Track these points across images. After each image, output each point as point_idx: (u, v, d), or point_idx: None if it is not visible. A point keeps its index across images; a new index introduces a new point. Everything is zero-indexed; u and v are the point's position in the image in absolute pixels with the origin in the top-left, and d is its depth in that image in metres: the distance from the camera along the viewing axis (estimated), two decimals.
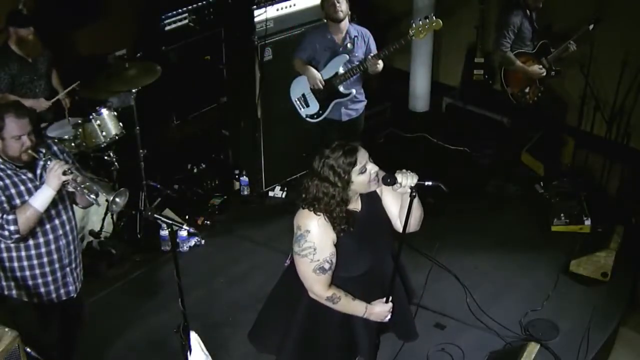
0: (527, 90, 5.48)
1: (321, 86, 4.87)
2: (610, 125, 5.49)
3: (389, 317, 3.05)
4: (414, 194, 2.80)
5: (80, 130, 4.80)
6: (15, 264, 3.18)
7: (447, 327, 4.37)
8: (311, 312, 3.04)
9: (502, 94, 5.63)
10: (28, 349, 2.99)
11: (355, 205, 2.95)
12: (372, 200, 3.00)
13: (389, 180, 2.78)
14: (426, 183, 2.79)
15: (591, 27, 5.22)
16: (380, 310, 3.02)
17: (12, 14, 4.85)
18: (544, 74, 5.40)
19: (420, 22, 4.55)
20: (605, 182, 5.59)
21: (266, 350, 3.34)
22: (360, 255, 2.97)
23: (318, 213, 2.84)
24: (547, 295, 4.60)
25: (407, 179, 2.77)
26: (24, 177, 3.11)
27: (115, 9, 5.82)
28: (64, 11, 5.43)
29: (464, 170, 5.90)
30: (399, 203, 2.97)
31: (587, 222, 5.13)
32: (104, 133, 4.89)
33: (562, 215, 5.21)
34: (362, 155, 2.82)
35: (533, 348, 3.82)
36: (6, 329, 2.86)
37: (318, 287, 2.92)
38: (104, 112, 4.91)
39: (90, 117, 4.84)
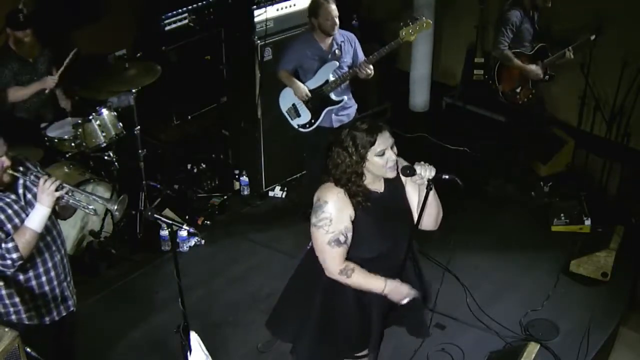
0: (518, 90, 5.47)
1: (307, 98, 4.86)
2: (610, 125, 5.49)
3: (407, 300, 2.99)
4: (431, 186, 2.85)
5: (80, 130, 4.80)
6: (14, 289, 3.07)
7: (447, 327, 4.37)
8: (328, 299, 3.05)
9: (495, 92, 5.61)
10: (28, 349, 2.98)
11: (378, 186, 2.98)
12: (395, 186, 3.03)
13: (409, 171, 2.84)
14: (444, 176, 2.85)
15: (592, 37, 5.21)
16: (404, 288, 2.97)
17: (10, 15, 4.83)
18: (542, 76, 5.39)
19: (411, 24, 4.54)
20: (605, 182, 5.59)
21: (283, 338, 3.35)
22: (376, 236, 2.98)
23: (339, 186, 2.88)
24: (547, 295, 4.61)
25: (425, 171, 2.83)
26: (8, 200, 3.00)
27: (115, 9, 5.81)
28: (64, 11, 5.43)
29: (464, 170, 5.90)
30: (417, 196, 3.01)
31: (587, 222, 5.13)
32: (104, 133, 4.89)
33: (562, 215, 5.21)
34: (384, 139, 2.86)
35: (533, 348, 3.81)
36: (6, 329, 2.85)
37: (331, 260, 2.92)
38: (104, 112, 4.91)
39: (90, 117, 4.84)
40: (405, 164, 2.90)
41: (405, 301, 3.01)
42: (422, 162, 2.87)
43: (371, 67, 4.70)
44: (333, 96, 4.89)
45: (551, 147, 5.98)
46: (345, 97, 4.93)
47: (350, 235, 2.91)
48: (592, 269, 4.72)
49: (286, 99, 5.03)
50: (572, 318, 4.43)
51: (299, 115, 5.01)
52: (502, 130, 6.18)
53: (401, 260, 3.00)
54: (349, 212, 2.89)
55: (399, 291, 2.99)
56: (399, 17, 6.36)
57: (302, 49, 4.85)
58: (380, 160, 2.86)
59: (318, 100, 4.90)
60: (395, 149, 2.91)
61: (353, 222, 2.91)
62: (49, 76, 5.00)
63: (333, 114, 4.97)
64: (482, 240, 5.17)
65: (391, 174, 2.91)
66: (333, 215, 2.87)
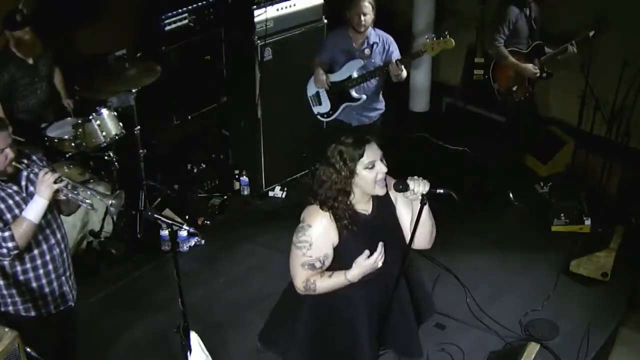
0: (514, 88, 5.46)
1: (325, 87, 4.88)
2: (610, 125, 5.49)
3: (379, 264, 2.80)
4: (425, 201, 2.75)
5: (80, 130, 4.80)
6: (11, 280, 3.10)
7: (447, 327, 4.37)
8: (315, 315, 3.02)
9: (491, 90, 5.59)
10: (28, 349, 2.98)
11: (366, 207, 2.91)
12: (385, 207, 2.95)
13: (401, 186, 2.74)
14: (438, 191, 2.74)
15: (592, 33, 5.19)
16: (362, 267, 2.80)
17: (7, 16, 4.81)
18: (538, 74, 5.37)
19: (435, 39, 4.56)
20: (605, 182, 5.59)
21: (275, 350, 3.33)
22: None
23: (325, 209, 2.82)
24: (547, 295, 4.61)
25: (419, 186, 2.73)
26: (9, 190, 3.03)
27: (115, 9, 5.81)
28: (64, 11, 5.42)
29: (464, 171, 5.91)
30: (410, 214, 2.92)
31: (587, 222, 5.13)
32: (104, 133, 4.89)
33: (562, 215, 5.21)
34: (372, 151, 2.79)
35: (533, 348, 3.81)
36: (6, 329, 2.85)
37: (299, 279, 2.89)
38: (104, 112, 4.91)
39: (90, 117, 4.84)
40: (395, 180, 2.79)
41: (380, 263, 2.80)
42: (415, 177, 2.75)
43: (402, 68, 4.67)
44: (353, 93, 4.88)
45: (551, 147, 5.98)
46: (364, 97, 4.88)
47: (328, 261, 2.87)
48: (592, 269, 4.72)
49: (312, 86, 5.04)
50: (572, 318, 4.43)
51: (320, 104, 5.03)
52: (502, 130, 6.18)
53: (394, 282, 2.93)
54: (332, 239, 2.84)
55: (360, 272, 2.82)
56: (401, 17, 6.39)
57: (335, 41, 4.90)
58: (370, 174, 2.79)
59: (338, 94, 4.91)
60: (384, 162, 2.83)
61: (338, 247, 2.86)
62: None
63: (354, 112, 4.96)
64: (482, 240, 5.17)
65: (380, 191, 2.83)
66: (313, 240, 2.81)
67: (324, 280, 2.88)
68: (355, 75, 4.83)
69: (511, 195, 5.61)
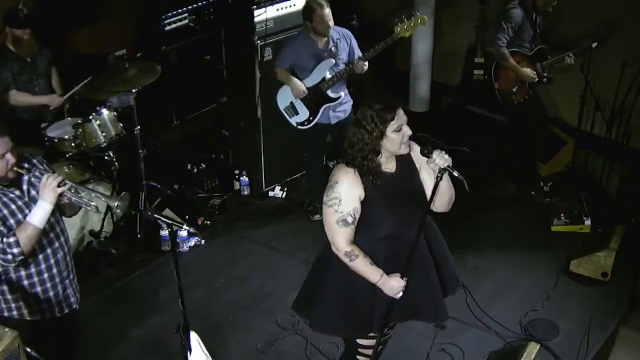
0: (514, 89, 5.46)
1: (304, 95, 4.90)
2: (610, 125, 5.49)
3: (400, 294, 3.06)
4: (440, 177, 2.92)
5: (80, 130, 4.80)
6: (15, 285, 3.08)
7: (447, 327, 4.36)
8: (342, 272, 3.10)
9: (492, 90, 5.58)
10: (28, 349, 2.98)
11: (390, 166, 3.06)
12: (408, 168, 3.11)
13: (426, 151, 2.95)
14: (454, 172, 2.93)
15: (594, 45, 5.20)
16: (395, 284, 3.04)
17: (9, 14, 4.84)
18: (536, 79, 5.38)
19: (406, 20, 4.54)
20: (605, 182, 5.58)
21: (306, 315, 3.45)
22: (387, 216, 3.04)
23: (350, 166, 2.96)
24: (547, 295, 4.60)
25: (440, 158, 2.91)
26: (12, 195, 3.01)
27: (115, 9, 5.82)
28: (64, 11, 5.43)
29: (464, 171, 5.89)
30: (432, 182, 3.06)
31: (587, 222, 5.13)
32: (104, 133, 4.89)
33: (562, 215, 5.21)
34: (400, 116, 2.96)
35: (533, 348, 3.81)
36: (6, 329, 2.85)
37: (339, 239, 3.01)
38: (104, 112, 4.92)
39: (90, 117, 4.85)
40: (423, 146, 2.99)
41: (398, 296, 3.06)
42: (442, 151, 2.94)
43: (366, 63, 4.74)
44: (330, 93, 4.90)
45: (551, 147, 5.97)
46: (342, 94, 4.93)
47: (357, 216, 2.99)
48: (592, 269, 4.72)
49: (284, 97, 5.03)
50: (572, 318, 4.43)
51: (297, 113, 5.03)
52: (502, 130, 6.18)
53: (414, 240, 3.03)
54: (358, 192, 2.97)
55: (391, 287, 3.05)
56: (401, 18, 6.36)
57: (298, 47, 4.88)
58: (397, 136, 2.95)
59: (315, 98, 4.92)
60: (408, 126, 2.99)
61: (364, 202, 2.98)
62: (57, 95, 5.03)
63: (330, 111, 4.99)
64: (482, 240, 5.17)
65: (404, 150, 3.00)
66: (342, 195, 2.96)
67: (365, 262, 3.03)
68: (328, 75, 4.85)
69: (533, 192, 5.63)
